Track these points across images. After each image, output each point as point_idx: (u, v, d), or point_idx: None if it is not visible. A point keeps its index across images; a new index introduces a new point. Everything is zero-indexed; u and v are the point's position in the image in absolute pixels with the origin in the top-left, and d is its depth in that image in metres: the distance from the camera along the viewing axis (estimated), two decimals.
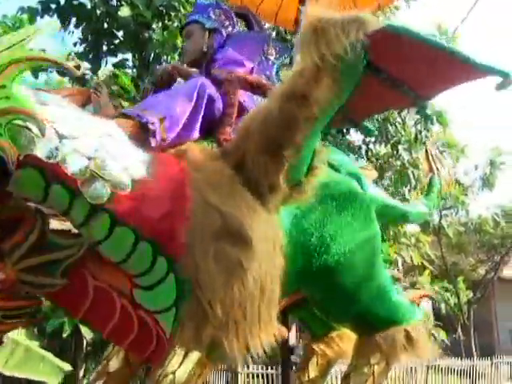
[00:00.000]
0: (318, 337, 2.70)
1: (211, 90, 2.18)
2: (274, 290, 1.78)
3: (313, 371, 2.63)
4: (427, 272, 8.45)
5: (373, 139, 8.44)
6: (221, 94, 2.25)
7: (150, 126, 1.87)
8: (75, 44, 6.67)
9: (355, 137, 8.49)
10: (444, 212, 10.26)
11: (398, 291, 2.51)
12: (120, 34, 6.43)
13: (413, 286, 8.25)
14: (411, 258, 7.87)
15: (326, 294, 2.24)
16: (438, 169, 3.39)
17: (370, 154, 8.36)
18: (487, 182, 11.18)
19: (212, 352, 1.65)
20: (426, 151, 3.52)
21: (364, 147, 8.37)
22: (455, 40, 8.39)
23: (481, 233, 13.56)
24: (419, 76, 1.99)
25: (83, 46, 6.50)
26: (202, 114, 2.10)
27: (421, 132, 8.26)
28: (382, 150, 8.54)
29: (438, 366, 9.94)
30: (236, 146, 1.94)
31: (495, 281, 17.31)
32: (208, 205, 1.70)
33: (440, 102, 8.43)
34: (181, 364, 1.60)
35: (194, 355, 1.63)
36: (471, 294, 14.16)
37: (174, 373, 1.59)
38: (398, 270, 7.71)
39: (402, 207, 2.94)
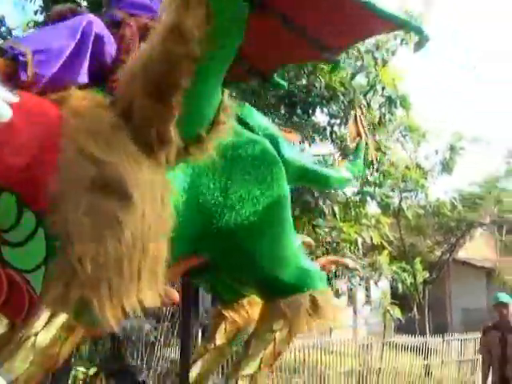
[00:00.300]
0: (228, 303, 2.62)
1: (101, 29, 1.93)
2: (160, 248, 1.65)
3: (220, 339, 2.56)
4: (386, 252, 8.69)
5: (338, 121, 8.51)
6: (116, 37, 2.01)
7: (21, 58, 1.66)
8: (36, 12, 6.46)
9: (320, 118, 8.55)
10: (404, 195, 10.51)
11: (305, 256, 2.47)
12: (84, 3, 6.24)
13: (372, 265, 8.48)
14: (371, 238, 8.06)
15: (229, 257, 2.16)
16: (366, 134, 3.34)
17: (334, 135, 8.43)
18: (446, 167, 11.48)
19: (80, 313, 1.51)
20: (355, 116, 3.44)
21: (329, 129, 8.43)
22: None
23: (439, 216, 13.97)
24: (326, 25, 1.87)
25: (44, 14, 6.29)
26: (88, 55, 1.86)
27: (385, 115, 8.37)
28: (346, 132, 8.62)
29: (393, 342, 10.30)
30: (122, 91, 1.77)
31: (450, 262, 17.95)
32: (82, 154, 1.55)
33: (404, 86, 8.50)
34: (45, 326, 1.46)
35: (62, 317, 1.49)
36: (427, 275, 14.65)
37: (36, 335, 1.44)
38: (358, 249, 7.89)
39: (323, 172, 2.87)
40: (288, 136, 2.62)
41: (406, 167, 9.65)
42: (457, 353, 10.98)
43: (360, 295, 15.71)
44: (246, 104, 2.53)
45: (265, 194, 2.13)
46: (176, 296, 2.06)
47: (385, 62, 7.93)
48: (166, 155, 1.71)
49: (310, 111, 8.22)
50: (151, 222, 1.61)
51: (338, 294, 9.04)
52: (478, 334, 11.70)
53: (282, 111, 8.13)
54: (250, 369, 2.20)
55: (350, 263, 8.03)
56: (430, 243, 16.66)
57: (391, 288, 13.67)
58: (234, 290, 2.54)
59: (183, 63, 1.61)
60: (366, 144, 3.30)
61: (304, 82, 7.87)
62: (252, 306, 2.56)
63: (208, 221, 1.99)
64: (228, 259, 2.17)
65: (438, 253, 16.10)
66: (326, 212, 8.06)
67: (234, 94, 8.23)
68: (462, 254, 19.76)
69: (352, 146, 3.42)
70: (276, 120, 8.23)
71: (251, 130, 2.23)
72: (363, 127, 3.35)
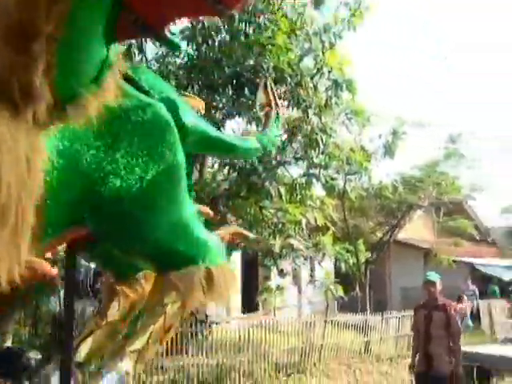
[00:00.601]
0: (122, 277, 2.47)
1: None
2: (25, 216, 1.50)
3: (113, 315, 2.42)
4: (330, 233, 8.89)
5: (286, 103, 8.54)
6: None
7: None
8: None
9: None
10: (348, 177, 10.74)
11: (203, 228, 2.35)
12: None
13: (316, 245, 8.66)
14: (315, 219, 8.22)
15: (116, 227, 2.02)
16: (277, 104, 3.23)
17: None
18: (389, 150, 11.81)
19: None
20: (265, 84, 3.35)
21: None
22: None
23: (381, 198, 14.41)
24: None
25: None
26: None
27: (331, 98, 8.48)
28: (293, 114, 8.68)
29: (335, 320, 10.63)
30: None
31: (391, 243, 18.62)
32: None
33: (350, 71, 8.62)
34: None
35: None
36: (369, 255, 15.15)
37: None
38: (302, 230, 8.03)
39: (228, 140, 2.80)
40: (192, 102, 2.50)
41: (351, 150, 9.85)
42: (394, 329, 11.48)
43: (304, 275, 16.05)
44: (143, 66, 2.32)
45: (156, 161, 2.01)
46: (49, 270, 1.88)
47: (332, 46, 8.01)
48: (34, 113, 1.49)
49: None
50: (12, 187, 1.43)
51: (282, 274, 9.20)
52: None
53: (230, 92, 8.07)
54: (137, 344, 2.11)
55: (295, 243, 8.25)
56: (373, 224, 17.18)
57: (335, 268, 14.06)
58: (128, 264, 2.38)
59: (43, 3, 1.38)
60: (278, 114, 3.17)
61: (251, 62, 7.83)
62: (148, 281, 2.43)
63: (89, 187, 1.85)
64: (115, 229, 2.02)
65: (379, 234, 16.64)
66: (273, 193, 8.14)
67: (180, 73, 8.16)
68: (401, 235, 20.55)
69: (262, 115, 3.32)
70: (223, 100, 8.19)
71: (146, 93, 2.08)
72: (274, 96, 3.23)
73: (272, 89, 3.32)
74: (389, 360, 10.70)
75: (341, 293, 9.53)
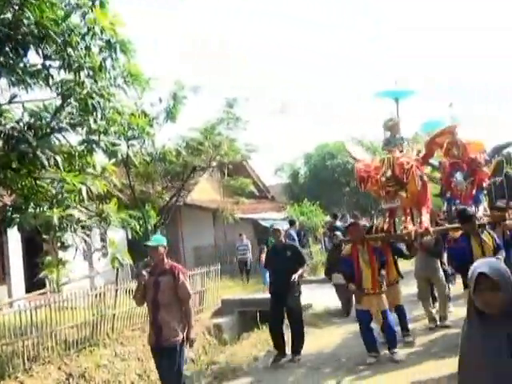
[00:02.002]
0: None
1: None
2: None
3: None
4: (114, 201, 8.66)
5: (56, 64, 7.87)
6: None
7: None
8: None
9: (35, 60, 7.76)
10: (131, 142, 10.55)
11: None
12: None
13: (99, 215, 8.36)
14: (97, 187, 7.89)
15: None
16: None
17: (51, 79, 7.80)
18: (170, 114, 11.93)
19: None
20: None
21: (45, 72, 7.74)
22: None
23: (165, 162, 14.55)
24: None
25: None
26: None
27: (105, 60, 8.08)
28: (65, 76, 8.06)
29: (128, 287, 10.53)
30: None
31: (182, 206, 19.12)
32: None
33: (125, 31, 8.27)
34: None
35: None
36: (159, 219, 15.29)
37: None
38: (83, 199, 7.65)
39: None
40: None
41: (132, 114, 9.62)
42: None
43: (96, 245, 15.49)
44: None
45: None
46: None
47: (102, 4, 7.57)
48: None
49: (21, 51, 7.40)
50: None
51: (64, 247, 8.70)
52: (206, 268, 13.09)
53: None
54: None
55: (76, 214, 7.82)
56: (160, 189, 17.35)
57: (127, 236, 13.86)
58: None
59: None
60: None
61: (10, 16, 6.97)
62: None
63: None
64: None
65: (167, 198, 16.90)
66: (47, 163, 7.51)
67: None
68: (191, 198, 21.30)
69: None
70: None
71: None
72: None
73: None
74: None
75: (129, 261, 9.45)
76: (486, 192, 9.21)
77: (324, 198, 26.42)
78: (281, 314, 7.95)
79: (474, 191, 8.52)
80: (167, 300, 5.32)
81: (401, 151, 7.90)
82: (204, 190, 22.60)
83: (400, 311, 8.03)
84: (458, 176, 8.30)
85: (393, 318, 7.60)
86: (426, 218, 7.71)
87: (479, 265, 2.28)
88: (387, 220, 8.04)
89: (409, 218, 8.26)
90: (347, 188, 27.76)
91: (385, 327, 7.30)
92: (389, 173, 7.22)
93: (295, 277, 7.52)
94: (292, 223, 15.01)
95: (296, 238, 14.70)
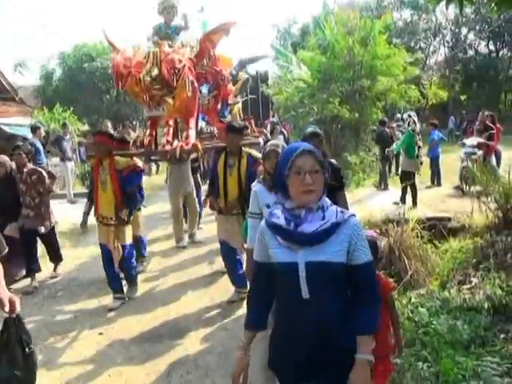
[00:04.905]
0: None
1: None
2: None
3: None
4: None
5: None
6: None
7: None
8: None
9: None
10: None
11: None
12: None
13: None
14: None
15: None
16: None
17: None
18: None
19: None
20: None
21: None
22: None
23: None
24: None
25: None
26: None
27: None
28: None
29: None
30: None
31: None
32: None
33: None
34: None
35: None
36: None
37: None
38: None
39: None
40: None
41: None
42: None
43: None
44: None
45: None
46: None
47: None
48: None
49: None
50: None
51: None
52: None
53: None
54: None
55: None
56: None
57: None
58: None
59: None
60: None
61: None
62: None
63: None
64: None
65: None
66: None
67: None
68: None
69: None
70: None
71: None
72: None
73: None
74: None
75: None
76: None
77: (80, 105, 24.27)
78: None
79: (218, 106, 7.80)
80: None
81: (171, 46, 6.50)
82: None
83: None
84: (203, 89, 7.36)
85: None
86: (193, 133, 6.54)
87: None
88: (148, 132, 6.55)
89: (171, 130, 7.45)
90: (108, 96, 26.01)
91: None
92: (155, 71, 5.73)
93: None
94: (34, 130, 13.10)
95: (42, 148, 13.04)
